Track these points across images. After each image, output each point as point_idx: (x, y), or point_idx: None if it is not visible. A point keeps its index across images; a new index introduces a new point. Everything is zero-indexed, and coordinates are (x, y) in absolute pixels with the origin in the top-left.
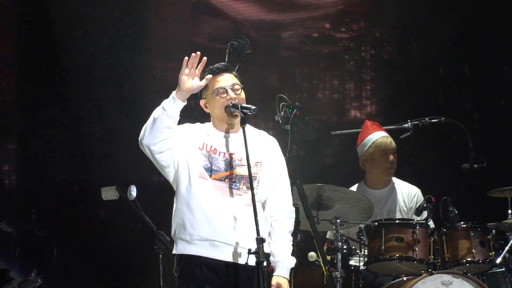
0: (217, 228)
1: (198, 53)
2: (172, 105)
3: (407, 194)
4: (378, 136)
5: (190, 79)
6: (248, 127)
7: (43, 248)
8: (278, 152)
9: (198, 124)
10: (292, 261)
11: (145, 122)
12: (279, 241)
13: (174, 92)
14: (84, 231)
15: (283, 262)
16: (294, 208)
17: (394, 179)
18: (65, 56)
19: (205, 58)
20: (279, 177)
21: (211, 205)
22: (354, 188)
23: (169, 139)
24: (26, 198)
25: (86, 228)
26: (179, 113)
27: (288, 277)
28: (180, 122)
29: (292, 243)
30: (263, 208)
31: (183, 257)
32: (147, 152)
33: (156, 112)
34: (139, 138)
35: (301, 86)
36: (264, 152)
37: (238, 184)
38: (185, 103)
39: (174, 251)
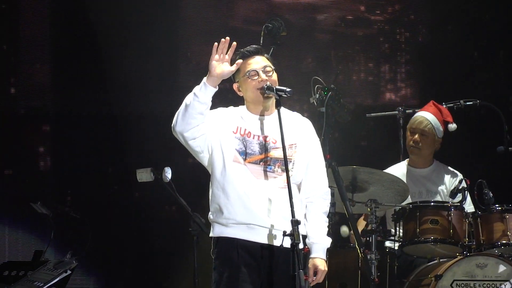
0: (253, 211)
1: (228, 38)
2: (204, 91)
3: (448, 178)
4: (418, 113)
5: (221, 64)
6: (282, 109)
7: (78, 230)
8: (312, 134)
9: (231, 107)
10: (328, 242)
11: (180, 106)
12: (314, 222)
13: (205, 78)
14: (119, 213)
15: (319, 243)
16: (329, 189)
17: (437, 162)
18: (100, 38)
19: (234, 43)
20: (314, 159)
21: (246, 189)
22: (397, 165)
23: (202, 125)
24: (61, 180)
25: (120, 210)
26: (211, 99)
27: (325, 258)
28: (214, 106)
29: (327, 224)
30: (299, 190)
31: (220, 240)
32: (180, 139)
33: (188, 99)
34: (172, 125)
35: (336, 69)
36: (299, 134)
37: (273, 167)
38: (216, 89)
39: (211, 234)
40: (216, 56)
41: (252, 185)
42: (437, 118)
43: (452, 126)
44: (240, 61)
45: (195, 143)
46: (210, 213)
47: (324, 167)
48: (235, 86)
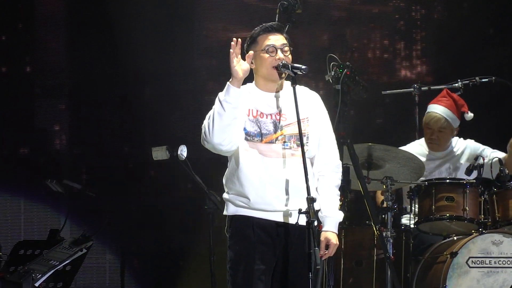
0: (270, 197)
1: (239, 40)
2: (233, 94)
3: (469, 153)
4: (430, 109)
5: (240, 65)
6: (287, 84)
7: (93, 209)
8: (322, 107)
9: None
10: (340, 216)
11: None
12: (326, 196)
13: (229, 84)
14: (134, 192)
15: (331, 217)
16: (340, 162)
17: (460, 140)
18: (115, 18)
19: (239, 39)
20: (325, 132)
21: (263, 173)
22: (415, 143)
23: (237, 131)
24: (76, 158)
25: (136, 188)
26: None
27: (337, 232)
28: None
29: (339, 197)
30: (311, 164)
31: (234, 218)
32: (216, 150)
33: (217, 108)
34: (204, 139)
35: (351, 46)
36: (310, 108)
37: (289, 143)
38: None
39: (225, 212)
40: (235, 60)
41: (269, 167)
42: (453, 112)
43: (469, 116)
44: (251, 53)
45: (231, 150)
46: (225, 192)
47: (334, 140)
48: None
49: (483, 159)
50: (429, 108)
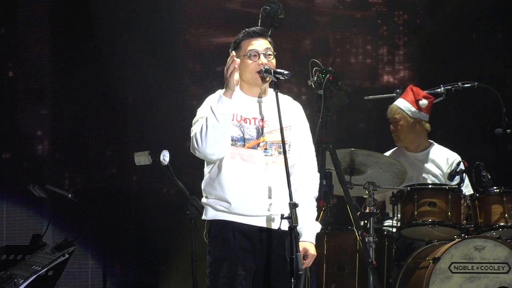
0: (252, 202)
1: (235, 57)
2: (228, 106)
3: (444, 159)
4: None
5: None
6: (271, 91)
7: (76, 214)
8: (304, 118)
9: (220, 91)
10: (318, 227)
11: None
12: (304, 207)
13: (222, 95)
14: (117, 197)
15: (309, 227)
16: (318, 174)
17: (436, 145)
18: (98, 22)
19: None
20: (306, 143)
21: (244, 178)
22: (393, 150)
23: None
24: (59, 163)
25: (118, 193)
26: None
27: (314, 242)
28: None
29: (316, 208)
30: (291, 173)
31: (214, 222)
32: (206, 158)
33: (210, 119)
34: (195, 148)
35: (334, 51)
36: (292, 117)
37: (270, 150)
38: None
39: (204, 217)
40: (236, 74)
41: (251, 173)
42: (407, 100)
43: (422, 102)
44: (233, 53)
45: (220, 157)
46: (204, 197)
47: (314, 151)
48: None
49: (466, 165)
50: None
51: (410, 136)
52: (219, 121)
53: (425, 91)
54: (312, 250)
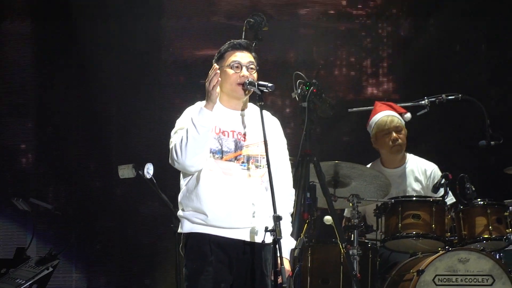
0: (228, 212)
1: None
2: (209, 118)
3: (423, 172)
4: (380, 116)
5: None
6: (251, 106)
7: (60, 227)
8: (281, 134)
9: (200, 103)
10: (293, 243)
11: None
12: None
13: (203, 108)
14: (101, 210)
15: (284, 243)
16: (294, 190)
17: (411, 156)
18: (82, 35)
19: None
20: (282, 159)
21: (221, 190)
22: (369, 166)
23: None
24: (42, 177)
25: (102, 206)
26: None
27: (289, 258)
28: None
29: (291, 224)
30: (266, 189)
31: (191, 236)
32: (185, 170)
33: (191, 131)
34: (175, 160)
35: (318, 63)
36: (270, 132)
37: (247, 164)
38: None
39: (180, 230)
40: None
41: (228, 185)
42: (396, 113)
43: (407, 116)
44: (217, 68)
45: (198, 169)
46: (180, 210)
47: (290, 168)
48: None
49: (450, 177)
50: (376, 117)
51: (405, 147)
52: (200, 133)
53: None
54: (287, 266)
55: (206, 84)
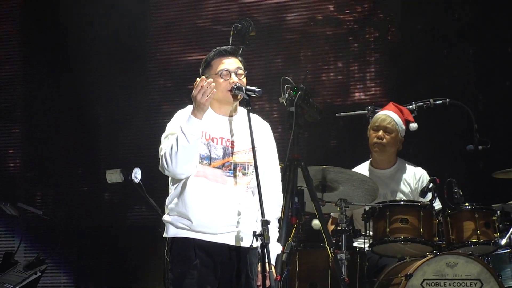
0: (212, 218)
1: (210, 82)
2: (198, 127)
3: (412, 175)
4: (379, 113)
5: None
6: (241, 110)
7: (48, 232)
8: (271, 138)
9: (190, 107)
10: (279, 248)
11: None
12: None
13: (192, 116)
14: (89, 214)
15: (271, 249)
16: (282, 195)
17: (401, 160)
18: (69, 40)
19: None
20: (271, 164)
21: (207, 196)
22: (360, 167)
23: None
24: (30, 181)
25: (90, 211)
26: None
27: (275, 264)
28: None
29: (279, 229)
30: (253, 193)
31: (175, 240)
32: (176, 177)
33: (183, 141)
34: (165, 168)
35: (305, 68)
36: (259, 138)
37: (233, 172)
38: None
39: (165, 235)
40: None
41: (214, 192)
42: (399, 117)
43: (414, 126)
44: (203, 78)
45: (188, 176)
46: (166, 214)
47: (279, 172)
48: (202, 79)
49: (437, 181)
50: (376, 114)
51: (391, 150)
52: (190, 142)
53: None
54: (273, 271)
55: (198, 96)
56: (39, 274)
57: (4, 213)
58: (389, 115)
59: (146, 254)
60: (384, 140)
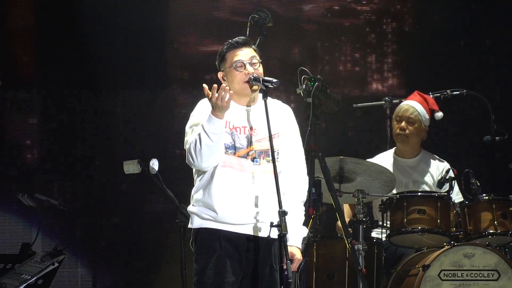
0: (236, 210)
1: (228, 90)
2: (220, 125)
3: (436, 167)
4: (402, 103)
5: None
6: (261, 98)
7: (65, 223)
8: (293, 121)
9: None
10: (305, 231)
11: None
12: (292, 211)
13: (213, 116)
14: (106, 205)
15: (296, 232)
16: (307, 178)
17: (425, 151)
18: (86, 30)
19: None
20: (294, 147)
21: (233, 186)
22: (384, 154)
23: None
24: (48, 172)
25: (108, 202)
26: None
27: (301, 247)
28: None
29: (305, 213)
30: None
31: (200, 231)
32: (202, 170)
33: (206, 140)
34: (191, 163)
35: (322, 59)
36: (281, 122)
37: (258, 159)
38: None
39: (190, 225)
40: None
41: (239, 182)
42: (423, 107)
43: (439, 114)
44: (215, 86)
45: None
46: (191, 205)
47: (303, 155)
48: (219, 75)
49: (455, 172)
50: (400, 104)
51: (415, 141)
52: (213, 141)
53: None
54: (299, 255)
55: (217, 101)
56: (56, 265)
57: (22, 204)
58: (412, 105)
59: (163, 245)
60: (407, 131)
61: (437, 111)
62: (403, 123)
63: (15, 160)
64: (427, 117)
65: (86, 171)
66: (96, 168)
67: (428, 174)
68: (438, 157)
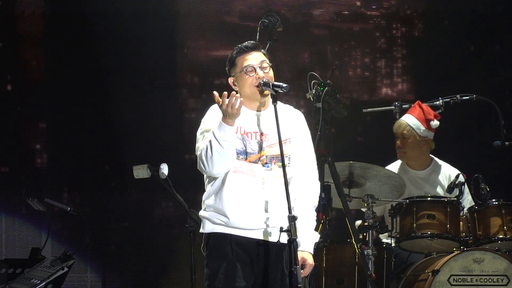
0: (250, 214)
1: (238, 97)
2: (231, 132)
3: (447, 177)
4: (398, 120)
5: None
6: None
7: (75, 227)
8: (305, 127)
9: None
10: (316, 236)
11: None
12: (303, 216)
13: (223, 123)
14: (116, 210)
15: (307, 237)
16: (319, 183)
17: (436, 160)
18: (95, 34)
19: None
20: (306, 152)
21: (244, 191)
22: (395, 164)
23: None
24: (57, 177)
25: (117, 206)
26: None
27: (312, 252)
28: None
29: (316, 218)
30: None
31: (212, 235)
32: (214, 176)
33: (217, 147)
34: (202, 170)
35: (332, 64)
36: (292, 128)
37: (270, 165)
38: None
39: (202, 230)
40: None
41: (251, 187)
42: (417, 118)
43: (434, 123)
44: (225, 93)
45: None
46: (203, 210)
47: (315, 160)
48: (230, 80)
49: (465, 177)
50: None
51: (415, 153)
52: (224, 147)
53: (425, 104)
54: (310, 260)
55: (228, 109)
56: (66, 269)
57: (32, 208)
58: (405, 120)
59: (172, 250)
60: (402, 149)
61: (433, 120)
62: (398, 141)
63: (25, 165)
64: (423, 128)
65: (95, 175)
66: (105, 173)
67: (440, 185)
68: (448, 164)
